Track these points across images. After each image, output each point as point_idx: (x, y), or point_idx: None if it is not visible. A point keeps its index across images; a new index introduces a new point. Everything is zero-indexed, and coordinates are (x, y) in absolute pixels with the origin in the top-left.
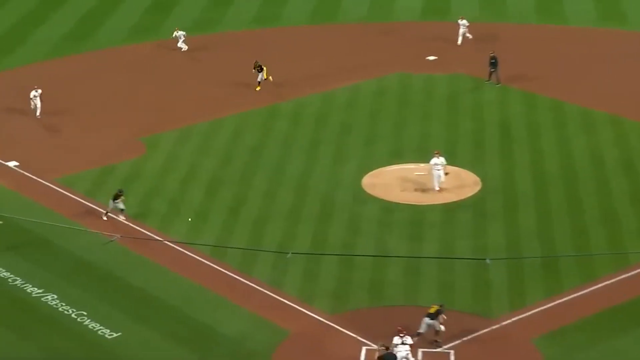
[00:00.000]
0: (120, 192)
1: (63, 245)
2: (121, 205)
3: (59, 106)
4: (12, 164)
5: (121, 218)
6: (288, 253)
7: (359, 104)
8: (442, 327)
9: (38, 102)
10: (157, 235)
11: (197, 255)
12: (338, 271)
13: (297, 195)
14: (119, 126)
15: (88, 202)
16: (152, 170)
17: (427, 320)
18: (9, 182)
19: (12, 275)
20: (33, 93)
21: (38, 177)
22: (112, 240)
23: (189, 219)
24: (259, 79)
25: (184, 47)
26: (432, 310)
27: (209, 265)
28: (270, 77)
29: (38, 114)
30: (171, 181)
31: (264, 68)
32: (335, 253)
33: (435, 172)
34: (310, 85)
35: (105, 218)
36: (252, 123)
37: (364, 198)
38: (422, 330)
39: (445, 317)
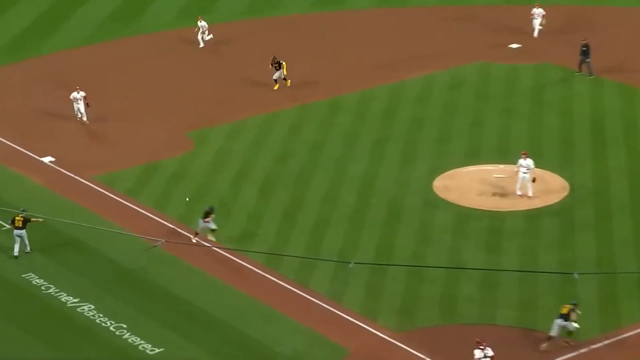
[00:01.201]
0: (210, 209)
1: (101, 249)
2: (212, 225)
3: (99, 96)
4: (47, 159)
5: (212, 239)
6: (350, 263)
7: (432, 97)
8: (576, 325)
9: (82, 106)
10: (205, 241)
11: (249, 264)
12: (405, 284)
13: (360, 198)
14: (164, 119)
15: (129, 202)
16: (200, 168)
17: (559, 321)
18: (43, 179)
19: (45, 282)
20: (74, 95)
21: (75, 174)
22: (155, 246)
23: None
24: (275, 77)
25: (206, 38)
26: (564, 311)
27: (262, 275)
28: (289, 82)
29: (85, 119)
30: (221, 180)
31: (283, 64)
32: (403, 264)
33: (521, 175)
34: (377, 75)
35: (195, 240)
36: (312, 117)
37: (435, 202)
38: (553, 333)
39: (579, 312)
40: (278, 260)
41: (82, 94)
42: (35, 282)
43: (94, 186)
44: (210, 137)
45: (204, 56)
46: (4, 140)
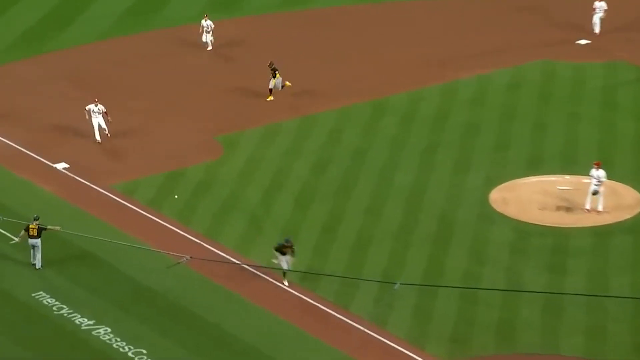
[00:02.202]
0: (287, 242)
1: (119, 266)
2: (283, 265)
3: (117, 96)
4: (60, 166)
5: (285, 284)
6: (395, 284)
7: (489, 98)
8: None
9: (101, 120)
10: (234, 258)
11: (283, 284)
12: (457, 308)
13: (407, 211)
14: (190, 121)
15: (151, 214)
16: (229, 176)
17: None
18: (56, 188)
19: (57, 302)
20: (91, 107)
21: (91, 183)
22: (179, 263)
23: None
24: (271, 86)
25: (209, 43)
26: None
27: (298, 296)
28: (288, 82)
29: (107, 132)
30: (253, 191)
31: (278, 74)
32: (455, 285)
33: (592, 188)
34: (426, 74)
35: (286, 283)
36: (354, 120)
37: (492, 217)
38: None
39: None
40: (315, 280)
41: (102, 108)
42: (47, 301)
43: (112, 196)
44: (240, 142)
45: (232, 51)
46: (13, 144)
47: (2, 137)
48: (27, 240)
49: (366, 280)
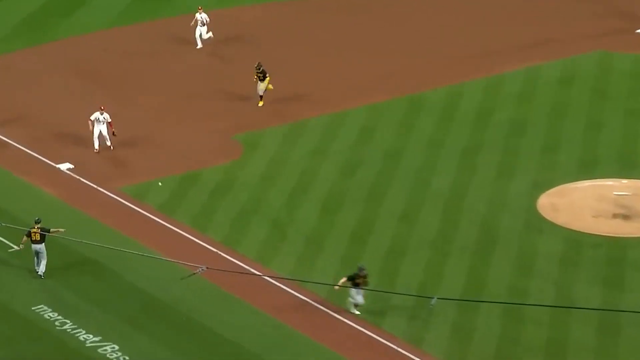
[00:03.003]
0: (361, 271)
1: (128, 277)
2: (359, 299)
3: (127, 90)
4: (64, 166)
5: (355, 312)
6: (432, 298)
7: (537, 94)
8: None
9: (104, 129)
10: (254, 268)
11: (308, 297)
12: (501, 326)
13: (445, 218)
14: (207, 118)
15: (163, 220)
16: (250, 178)
17: None
18: (59, 191)
19: (59, 317)
20: (97, 116)
21: (97, 185)
22: (194, 274)
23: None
24: (260, 91)
25: (204, 37)
26: None
27: (326, 312)
28: (271, 86)
29: (109, 143)
30: (275, 194)
31: (268, 77)
32: (498, 301)
33: None
34: (467, 68)
35: (357, 312)
36: (387, 118)
37: (540, 225)
38: None
39: None
40: (344, 294)
41: (108, 117)
42: (48, 315)
43: (121, 199)
44: (261, 142)
45: (248, 42)
46: (11, 142)
47: (5, 137)
48: (31, 247)
49: (400, 295)
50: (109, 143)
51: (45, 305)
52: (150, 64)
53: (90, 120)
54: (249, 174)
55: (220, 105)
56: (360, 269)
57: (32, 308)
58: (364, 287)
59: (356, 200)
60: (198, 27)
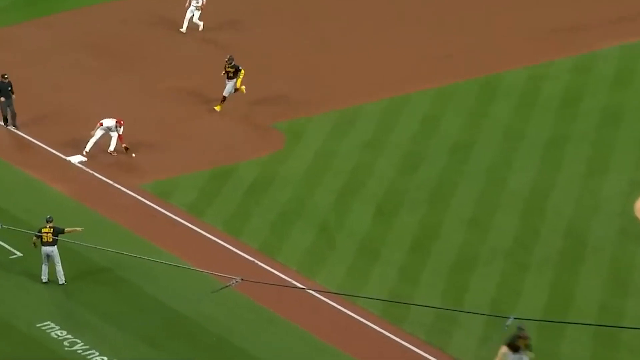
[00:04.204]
0: (521, 332)
1: (149, 289)
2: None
3: (148, 69)
4: (75, 159)
5: None
6: (508, 319)
7: (635, 76)
8: None
9: (115, 138)
10: (297, 281)
11: (360, 315)
12: (592, 351)
13: (524, 224)
14: (242, 103)
15: (191, 223)
16: (292, 175)
17: None
18: (70, 187)
19: (69, 336)
20: (108, 124)
21: (114, 181)
22: (227, 286)
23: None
24: (226, 92)
25: (195, 19)
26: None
27: (380, 332)
28: (244, 88)
29: (112, 148)
30: (322, 194)
31: (241, 71)
32: (587, 322)
33: None
34: (551, 45)
35: None
36: (455, 104)
37: (638, 232)
38: None
39: None
40: (402, 311)
41: (120, 131)
42: (55, 334)
43: (141, 198)
44: (307, 131)
45: (299, 10)
46: (15, 130)
47: (1, 121)
48: (40, 250)
49: (469, 313)
50: (112, 148)
51: (52, 321)
52: (176, 39)
53: (100, 123)
54: (291, 169)
55: (258, 88)
56: (520, 329)
57: (37, 325)
58: (525, 351)
59: (417, 201)
60: (190, 8)
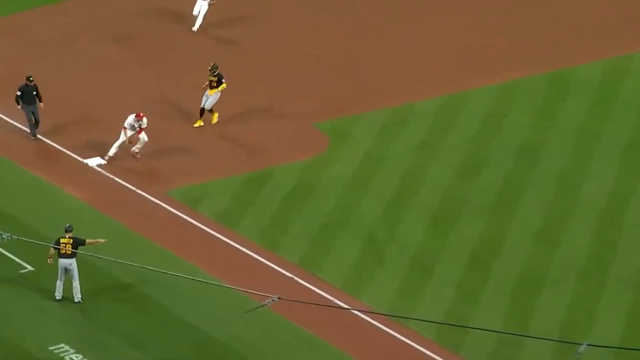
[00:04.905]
0: None
1: (176, 308)
2: None
3: (175, 62)
4: (93, 161)
5: None
6: (581, 345)
7: None
8: None
9: (143, 139)
10: (341, 300)
11: (413, 341)
12: None
13: (600, 238)
14: (280, 100)
15: (222, 234)
16: (337, 181)
17: None
18: (87, 193)
19: (85, 359)
20: (131, 121)
21: (136, 187)
22: (262, 305)
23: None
24: (205, 104)
25: (198, 18)
26: None
27: (432, 357)
28: (216, 116)
29: (136, 151)
30: (370, 202)
31: (224, 83)
32: None
33: None
34: (633, 34)
35: None
36: (521, 102)
37: None
38: None
39: None
40: (460, 336)
41: (144, 123)
42: (70, 358)
43: (167, 207)
44: (352, 132)
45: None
46: (24, 128)
47: (11, 120)
48: (58, 263)
49: (536, 339)
50: (136, 151)
51: (66, 344)
52: (207, 27)
53: (125, 127)
54: (334, 174)
55: (298, 82)
56: None
57: (50, 348)
58: None
59: (478, 211)
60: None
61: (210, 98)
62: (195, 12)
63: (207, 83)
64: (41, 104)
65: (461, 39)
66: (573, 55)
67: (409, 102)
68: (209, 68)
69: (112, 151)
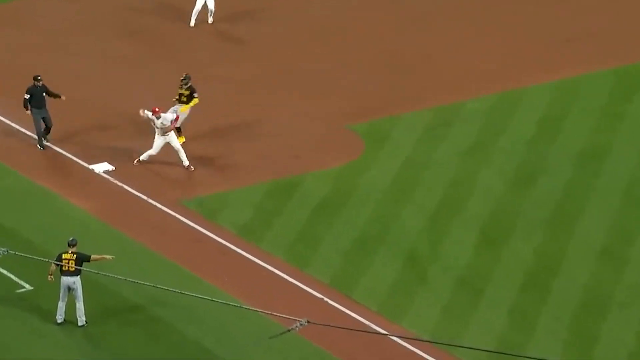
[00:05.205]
0: None
1: (191, 333)
2: None
3: (194, 58)
4: (100, 167)
5: None
6: None
7: None
8: None
9: (172, 140)
10: (378, 325)
11: None
12: None
13: None
14: (310, 100)
15: (244, 249)
16: (373, 190)
17: None
18: (93, 203)
19: None
20: (149, 115)
21: (148, 196)
22: (290, 330)
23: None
24: (170, 117)
25: (193, 18)
26: None
27: None
28: (183, 138)
29: (186, 164)
30: (411, 214)
31: (195, 98)
32: None
33: None
34: None
35: None
36: (583, 102)
37: None
38: None
39: None
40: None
41: (170, 117)
42: None
43: (183, 218)
44: (392, 135)
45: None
46: (25, 131)
47: (11, 121)
48: (60, 280)
49: None
50: (185, 163)
51: None
52: (230, 20)
53: (143, 116)
54: (371, 182)
55: (329, 79)
56: None
57: None
58: None
59: (534, 225)
60: None
61: (182, 116)
62: (196, 7)
63: (177, 97)
64: (62, 97)
65: (513, 31)
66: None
67: (456, 102)
68: (181, 79)
69: (145, 155)
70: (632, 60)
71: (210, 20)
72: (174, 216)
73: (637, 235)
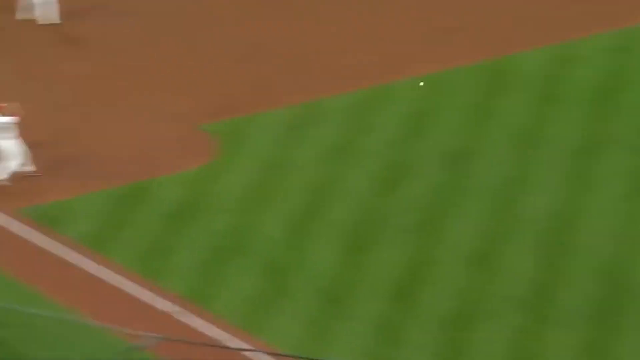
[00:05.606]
0: None
1: (32, 352)
2: None
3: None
4: None
5: None
6: None
7: None
8: None
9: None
10: (237, 339)
11: None
12: None
13: (546, 263)
14: (159, 97)
15: (90, 260)
16: (229, 195)
17: None
18: None
19: None
20: None
21: None
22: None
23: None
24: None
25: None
26: None
27: None
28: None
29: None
30: (272, 221)
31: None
32: None
33: None
34: (582, 16)
35: None
36: (452, 97)
37: None
38: None
39: None
40: None
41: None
42: None
43: (21, 227)
44: (249, 135)
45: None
46: None
47: None
48: None
49: None
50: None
51: None
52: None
53: None
54: (228, 187)
55: (183, 76)
56: None
57: None
58: None
59: (401, 230)
60: None
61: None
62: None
63: None
64: None
65: (382, 20)
66: (515, 41)
67: (318, 98)
68: None
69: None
70: (503, 53)
71: (37, 13)
72: (11, 225)
73: (507, 241)
